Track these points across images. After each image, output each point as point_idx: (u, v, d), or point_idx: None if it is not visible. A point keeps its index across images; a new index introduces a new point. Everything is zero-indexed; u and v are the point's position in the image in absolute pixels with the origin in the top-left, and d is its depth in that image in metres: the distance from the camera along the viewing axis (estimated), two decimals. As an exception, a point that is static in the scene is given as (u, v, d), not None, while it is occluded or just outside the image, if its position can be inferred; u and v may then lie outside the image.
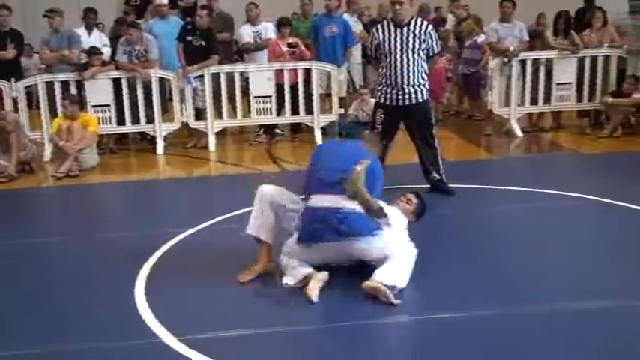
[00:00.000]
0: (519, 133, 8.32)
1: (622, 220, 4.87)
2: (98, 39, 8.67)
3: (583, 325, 3.20)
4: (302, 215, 3.76)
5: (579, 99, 8.57)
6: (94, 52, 8.08)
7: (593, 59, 8.44)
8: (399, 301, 3.42)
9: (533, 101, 8.50)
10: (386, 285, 3.48)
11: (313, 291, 3.52)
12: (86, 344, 3.17)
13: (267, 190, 3.90)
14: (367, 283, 3.48)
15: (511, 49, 8.17)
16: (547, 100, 8.50)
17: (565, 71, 8.43)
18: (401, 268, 3.62)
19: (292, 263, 3.75)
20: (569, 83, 8.48)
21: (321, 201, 3.66)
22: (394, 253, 3.63)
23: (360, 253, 3.67)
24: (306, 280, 3.63)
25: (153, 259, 4.22)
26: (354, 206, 3.62)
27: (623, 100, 8.00)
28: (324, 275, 3.65)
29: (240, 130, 9.12)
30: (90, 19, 8.84)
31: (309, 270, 3.68)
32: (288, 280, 3.71)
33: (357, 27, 9.03)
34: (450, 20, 10.57)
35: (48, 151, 7.74)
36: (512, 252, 4.28)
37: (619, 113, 7.96)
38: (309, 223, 3.67)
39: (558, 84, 8.46)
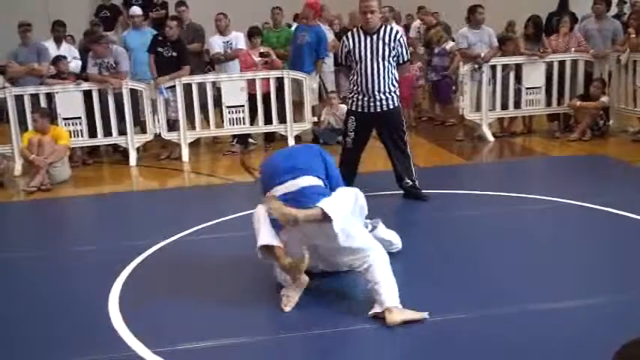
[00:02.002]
0: (491, 138, 8.41)
1: (592, 221, 4.94)
2: (67, 51, 8.64)
3: (559, 324, 3.24)
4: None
5: (549, 103, 8.69)
6: (59, 58, 8.09)
7: (562, 64, 8.57)
8: (425, 313, 3.37)
9: (504, 106, 8.60)
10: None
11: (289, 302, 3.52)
12: (60, 359, 3.13)
13: (261, 208, 3.81)
14: (391, 318, 3.35)
15: (482, 55, 8.27)
16: (517, 104, 8.61)
17: (534, 76, 8.55)
18: (390, 278, 3.53)
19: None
20: (539, 87, 8.60)
21: (279, 189, 3.69)
22: (367, 254, 3.56)
23: (326, 242, 3.59)
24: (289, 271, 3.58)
25: (126, 272, 4.18)
26: (308, 183, 3.67)
27: (591, 103, 8.14)
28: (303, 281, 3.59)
29: (214, 140, 9.11)
30: (58, 32, 8.81)
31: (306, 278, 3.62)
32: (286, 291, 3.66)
33: (329, 36, 9.06)
34: (414, 28, 10.68)
35: (18, 165, 7.66)
36: (487, 255, 4.32)
37: (587, 116, 8.09)
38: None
39: (528, 88, 8.58)
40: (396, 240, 4.20)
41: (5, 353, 3.23)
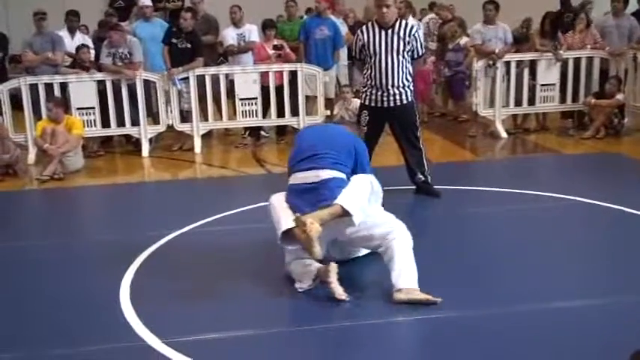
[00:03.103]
0: (504, 135, 8.37)
1: (605, 220, 4.91)
2: (81, 41, 8.65)
3: (571, 323, 3.22)
4: (287, 193, 3.79)
5: (563, 100, 8.63)
6: (82, 47, 8.22)
7: (577, 61, 8.51)
8: (438, 299, 3.40)
9: (518, 103, 8.55)
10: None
11: (338, 290, 3.48)
12: (71, 348, 3.14)
13: (276, 198, 3.84)
14: (397, 296, 3.43)
15: (496, 51, 8.22)
16: (531, 101, 8.56)
17: (549, 72, 8.49)
18: (409, 260, 3.56)
19: (301, 266, 3.68)
20: (553, 85, 8.54)
21: (301, 177, 3.74)
22: (388, 237, 3.59)
23: (346, 233, 3.63)
24: (318, 276, 3.58)
25: (138, 262, 4.20)
26: (330, 176, 3.68)
27: (606, 101, 8.08)
28: (333, 267, 3.55)
29: (226, 133, 9.12)
30: (72, 22, 8.84)
31: (318, 265, 3.61)
32: (303, 284, 3.64)
33: (342, 29, 9.05)
34: (424, 23, 10.62)
35: (32, 154, 7.70)
36: (499, 252, 4.30)
37: (602, 114, 8.03)
38: (289, 199, 3.73)
39: (542, 85, 8.52)
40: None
41: (16, 341, 3.24)
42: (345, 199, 3.54)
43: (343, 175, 3.76)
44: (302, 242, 3.47)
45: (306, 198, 3.66)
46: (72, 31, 8.75)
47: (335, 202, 3.54)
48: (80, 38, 8.82)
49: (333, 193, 3.59)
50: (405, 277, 3.47)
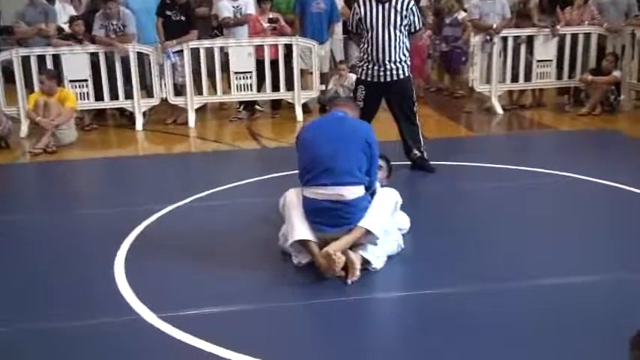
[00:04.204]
0: (500, 111, 8.34)
1: (601, 196, 4.90)
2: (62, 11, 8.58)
3: (567, 301, 3.22)
4: (304, 205, 3.64)
5: (559, 76, 8.59)
6: (74, 19, 8.11)
7: (574, 37, 8.46)
8: (354, 279, 3.40)
9: (514, 78, 8.51)
10: (364, 258, 3.50)
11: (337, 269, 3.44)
12: (65, 322, 3.13)
13: (292, 194, 3.75)
14: (348, 253, 3.45)
15: (494, 26, 8.15)
16: (528, 77, 8.52)
17: (546, 48, 8.44)
18: (382, 249, 3.64)
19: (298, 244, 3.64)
20: (550, 61, 8.50)
21: (322, 193, 3.57)
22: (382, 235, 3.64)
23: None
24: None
25: (132, 237, 4.17)
26: (354, 196, 3.57)
27: (603, 77, 8.04)
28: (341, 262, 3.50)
29: (220, 107, 9.05)
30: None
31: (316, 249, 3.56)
32: (300, 258, 3.62)
33: (338, 3, 8.96)
34: None
35: (24, 127, 7.63)
36: (494, 229, 4.30)
37: (598, 91, 8.00)
38: (308, 214, 3.60)
39: (539, 61, 8.48)
40: (404, 224, 4.08)
41: (9, 316, 3.22)
42: (369, 222, 3.53)
43: (363, 189, 3.62)
44: (322, 269, 3.46)
45: (328, 218, 3.54)
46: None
47: (359, 224, 3.51)
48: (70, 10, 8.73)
49: (357, 216, 3.54)
50: (367, 248, 3.54)
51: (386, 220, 3.65)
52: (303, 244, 3.56)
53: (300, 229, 3.56)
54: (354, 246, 3.56)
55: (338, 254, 3.40)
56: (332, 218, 3.55)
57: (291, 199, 3.70)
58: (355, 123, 3.88)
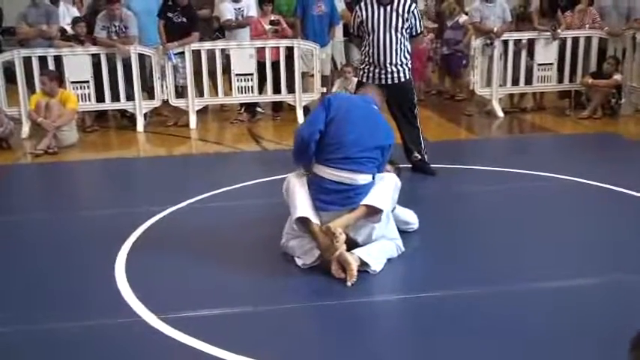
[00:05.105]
0: (501, 114, 8.34)
1: (601, 200, 4.91)
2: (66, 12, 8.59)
3: (566, 303, 3.23)
4: (311, 181, 3.70)
5: (560, 80, 8.60)
6: (77, 21, 8.09)
7: (575, 40, 8.47)
8: (353, 280, 3.40)
9: (515, 82, 8.52)
10: (361, 260, 3.50)
11: (341, 273, 3.47)
12: (65, 323, 3.13)
13: (294, 177, 3.79)
14: (343, 254, 3.46)
15: (495, 29, 8.16)
16: (528, 80, 8.53)
17: (546, 52, 8.45)
18: (381, 251, 3.65)
19: (303, 243, 3.68)
20: (551, 64, 8.51)
21: (336, 175, 3.62)
22: (380, 238, 3.67)
23: (351, 230, 3.62)
24: (321, 257, 3.57)
25: (133, 238, 4.18)
26: (365, 181, 3.64)
27: (604, 81, 8.05)
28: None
29: (221, 108, 9.06)
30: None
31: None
32: (306, 260, 3.63)
33: (339, 5, 8.97)
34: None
35: (26, 128, 7.64)
36: (494, 232, 4.31)
37: (599, 94, 8.01)
38: (315, 191, 3.65)
39: (540, 65, 8.49)
40: (412, 219, 4.15)
41: (10, 317, 3.23)
42: (373, 199, 3.58)
43: (371, 178, 3.69)
44: (322, 247, 3.49)
45: (335, 197, 3.60)
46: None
47: (362, 203, 3.56)
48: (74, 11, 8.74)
49: (362, 197, 3.59)
50: (366, 252, 3.57)
51: (389, 198, 3.68)
52: (304, 222, 3.57)
53: (302, 207, 3.60)
54: (352, 248, 3.57)
55: (339, 230, 3.43)
56: (339, 198, 3.60)
57: (294, 182, 3.74)
58: (384, 121, 3.95)
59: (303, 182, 3.74)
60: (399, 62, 5.36)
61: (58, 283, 3.62)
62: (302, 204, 3.62)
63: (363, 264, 3.52)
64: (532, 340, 2.89)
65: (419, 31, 5.50)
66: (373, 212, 3.59)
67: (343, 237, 3.46)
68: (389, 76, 5.38)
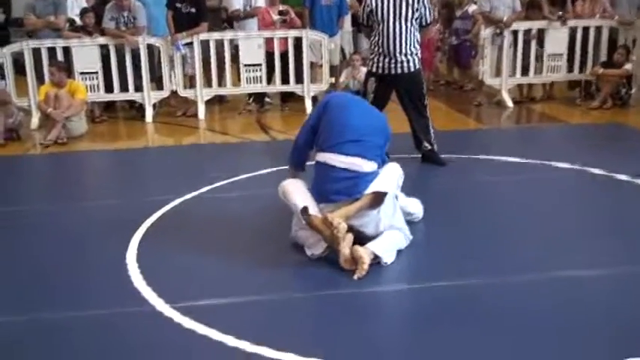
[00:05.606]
0: (510, 104, 8.31)
1: (611, 190, 4.89)
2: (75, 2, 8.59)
3: (575, 294, 3.22)
4: (315, 169, 3.73)
5: (570, 70, 8.56)
6: (86, 11, 8.11)
7: (585, 30, 8.41)
8: (361, 275, 3.39)
9: (525, 72, 8.48)
10: (374, 254, 3.49)
11: (352, 265, 3.47)
12: (79, 312, 3.15)
13: (288, 181, 3.85)
14: (357, 248, 3.46)
15: (505, 19, 8.12)
16: (538, 70, 8.49)
17: (557, 41, 8.40)
18: (392, 243, 3.64)
19: (312, 233, 3.66)
20: (561, 54, 8.46)
21: (344, 161, 3.61)
22: (388, 229, 3.66)
23: (358, 222, 3.62)
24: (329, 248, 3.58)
25: (144, 228, 4.19)
26: (371, 169, 3.63)
27: (614, 71, 8.00)
28: (349, 239, 3.54)
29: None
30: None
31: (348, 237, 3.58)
32: (315, 250, 3.63)
33: (347, -5, 8.95)
34: None
35: (35, 119, 7.66)
36: (503, 222, 4.29)
37: (609, 84, 7.96)
38: (322, 181, 3.66)
39: (550, 55, 8.44)
40: (416, 209, 4.14)
41: (21, 306, 3.25)
42: (376, 186, 3.56)
43: (376, 168, 3.69)
44: (327, 240, 3.50)
45: (341, 186, 3.59)
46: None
47: (366, 192, 3.54)
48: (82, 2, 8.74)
49: (367, 186, 3.57)
50: (378, 245, 3.54)
51: (393, 183, 3.67)
52: (307, 216, 3.57)
53: (303, 199, 3.64)
54: (365, 241, 3.57)
55: (336, 220, 3.42)
56: (346, 187, 3.58)
57: (289, 182, 3.81)
58: (378, 112, 4.08)
59: (298, 181, 3.81)
60: (409, 52, 5.34)
61: (70, 272, 3.64)
62: (302, 197, 3.65)
63: (376, 257, 3.52)
64: (539, 330, 2.88)
65: (429, 21, 5.48)
66: (377, 200, 3.57)
67: (343, 226, 3.44)
68: (399, 65, 5.37)
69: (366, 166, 3.62)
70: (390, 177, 3.67)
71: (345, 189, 3.60)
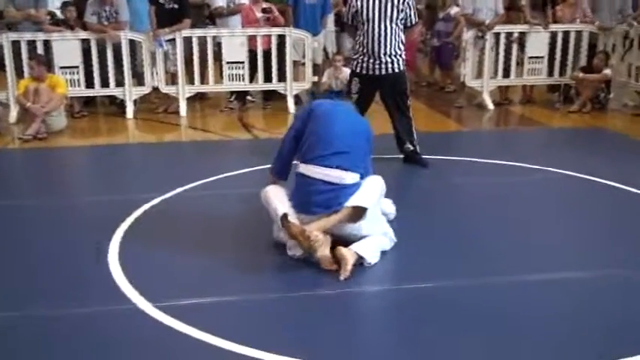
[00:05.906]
0: (491, 106, 8.38)
1: (589, 193, 4.95)
2: None
3: (559, 295, 3.25)
4: (296, 180, 3.72)
5: (550, 73, 8.64)
6: (66, 5, 8.02)
7: (566, 34, 8.51)
8: (345, 276, 3.39)
9: (506, 74, 8.55)
10: (358, 255, 3.50)
11: (332, 265, 3.48)
12: (59, 310, 3.11)
13: (270, 187, 3.85)
14: (340, 249, 3.46)
15: (487, 22, 8.17)
16: (519, 73, 8.57)
17: (537, 45, 8.48)
18: (375, 244, 3.65)
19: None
20: (542, 57, 8.54)
21: (326, 173, 3.60)
22: (371, 233, 3.66)
23: (338, 231, 3.62)
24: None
25: (125, 225, 4.15)
26: (353, 181, 3.61)
27: (594, 75, 8.10)
28: (327, 240, 3.54)
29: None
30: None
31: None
32: (296, 252, 3.61)
33: (332, -6, 8.96)
34: None
35: (14, 113, 7.57)
36: (484, 224, 4.32)
37: (589, 89, 8.06)
38: (302, 193, 3.64)
39: (530, 58, 8.52)
40: (390, 209, 4.14)
41: (1, 303, 3.21)
42: (357, 200, 3.55)
43: (358, 179, 3.68)
44: (304, 249, 3.49)
45: (322, 198, 3.57)
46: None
47: (346, 204, 3.53)
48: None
49: (348, 199, 3.56)
50: (361, 246, 3.54)
51: (373, 197, 3.64)
52: (286, 224, 3.54)
53: (284, 206, 3.62)
54: (349, 243, 3.57)
55: (314, 233, 3.41)
56: (325, 199, 3.57)
57: (270, 188, 3.81)
58: (361, 118, 4.07)
59: (279, 187, 3.82)
60: (394, 53, 5.36)
61: (51, 270, 3.60)
62: (282, 204, 3.64)
63: (360, 258, 3.52)
64: (524, 332, 2.90)
65: (414, 22, 5.50)
66: (356, 214, 3.57)
67: (321, 237, 3.44)
68: (383, 66, 5.38)
69: (348, 178, 3.61)
70: (371, 191, 3.66)
71: (325, 201, 3.57)
